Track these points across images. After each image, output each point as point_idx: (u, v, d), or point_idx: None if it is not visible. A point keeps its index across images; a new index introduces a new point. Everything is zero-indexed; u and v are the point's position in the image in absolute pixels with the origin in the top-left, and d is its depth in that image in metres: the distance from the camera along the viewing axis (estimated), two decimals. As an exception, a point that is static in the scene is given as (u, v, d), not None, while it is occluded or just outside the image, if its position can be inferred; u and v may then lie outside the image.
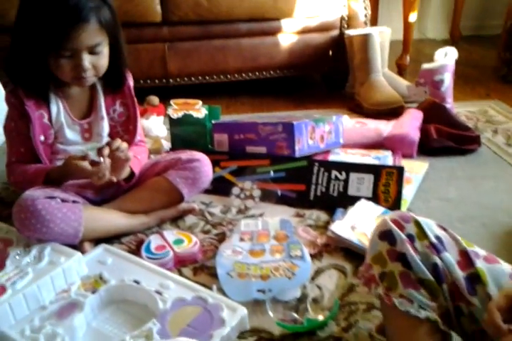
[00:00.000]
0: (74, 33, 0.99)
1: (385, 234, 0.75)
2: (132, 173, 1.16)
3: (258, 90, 2.16)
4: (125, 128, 1.22)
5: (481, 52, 2.66)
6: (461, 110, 1.83)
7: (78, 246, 1.08)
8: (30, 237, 1.03)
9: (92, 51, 1.04)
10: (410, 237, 0.74)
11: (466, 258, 0.73)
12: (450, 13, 2.88)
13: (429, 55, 2.65)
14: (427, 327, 0.71)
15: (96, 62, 1.06)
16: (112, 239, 1.15)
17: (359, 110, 1.88)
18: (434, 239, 0.73)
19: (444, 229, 0.77)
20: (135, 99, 1.21)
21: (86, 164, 1.02)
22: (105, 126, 1.19)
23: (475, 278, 0.71)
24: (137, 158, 1.18)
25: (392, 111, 1.77)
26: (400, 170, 1.23)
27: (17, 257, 1.01)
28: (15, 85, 1.10)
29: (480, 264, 0.72)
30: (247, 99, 2.10)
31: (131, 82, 1.22)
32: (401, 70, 2.29)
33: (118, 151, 1.06)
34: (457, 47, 1.83)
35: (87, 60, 1.03)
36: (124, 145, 1.08)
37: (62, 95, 1.14)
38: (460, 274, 0.71)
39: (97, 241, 1.12)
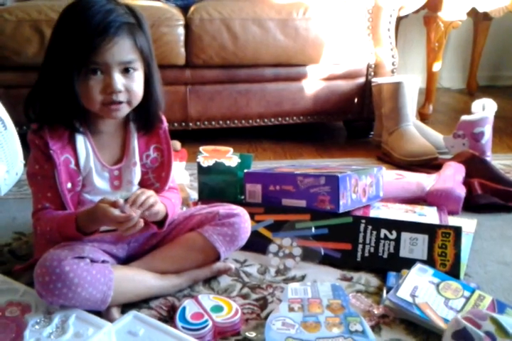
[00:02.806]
0: (104, 46, 0.90)
1: (459, 334, 0.71)
2: (165, 217, 1.04)
3: (280, 136, 2.09)
4: (157, 175, 1.11)
5: (500, 103, 2.60)
6: (495, 163, 1.75)
7: (104, 313, 0.95)
8: (53, 303, 0.90)
9: (125, 70, 0.95)
10: (489, 335, 0.69)
11: None
12: (466, 62, 2.88)
13: (446, 104, 2.64)
14: None
15: (129, 85, 0.95)
16: (139, 303, 1.02)
17: (389, 160, 1.81)
18: None
19: None
20: (171, 144, 1.11)
21: (116, 211, 0.90)
22: (137, 173, 1.09)
23: None
24: (171, 201, 1.06)
25: (425, 163, 1.70)
26: (458, 231, 1.12)
27: (37, 326, 0.88)
28: (39, 124, 1.00)
29: None
30: (268, 145, 2.02)
31: (166, 126, 1.13)
32: (423, 119, 2.24)
33: (149, 200, 0.95)
34: (474, 97, 1.79)
35: (119, 79, 0.94)
36: (151, 192, 0.97)
37: (91, 137, 1.03)
38: None
39: (123, 306, 1.00)
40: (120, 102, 0.96)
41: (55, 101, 0.96)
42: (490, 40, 2.77)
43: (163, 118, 1.13)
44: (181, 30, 1.83)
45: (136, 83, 0.97)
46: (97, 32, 0.90)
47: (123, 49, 0.93)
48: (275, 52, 1.87)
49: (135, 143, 1.08)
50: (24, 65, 1.78)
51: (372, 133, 2.04)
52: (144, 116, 1.06)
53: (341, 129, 2.20)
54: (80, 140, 1.02)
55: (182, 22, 1.84)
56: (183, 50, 1.84)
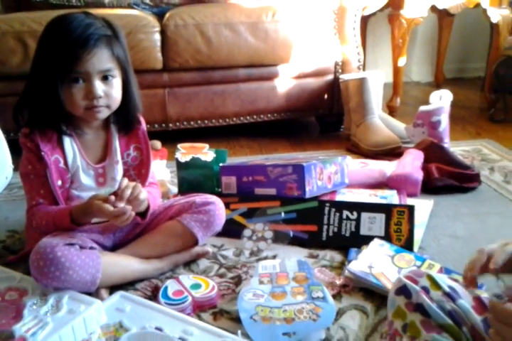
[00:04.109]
0: (85, 56, 1.02)
1: (400, 290, 0.80)
2: (147, 208, 1.14)
3: (256, 133, 2.20)
4: (137, 172, 1.23)
5: (466, 94, 2.78)
6: (456, 149, 1.88)
7: (94, 294, 1.06)
8: (47, 286, 1.01)
9: (104, 78, 1.06)
10: (425, 289, 0.78)
11: (480, 304, 0.78)
12: (433, 57, 3.01)
13: (415, 97, 2.77)
14: None
15: (108, 90, 1.07)
16: (125, 285, 1.13)
17: (357, 151, 1.93)
18: (447, 289, 0.78)
19: (455, 280, 0.82)
20: (149, 144, 1.23)
21: (110, 207, 1.01)
22: (120, 171, 1.20)
23: None
24: (152, 194, 1.18)
25: (389, 152, 1.83)
26: (411, 209, 1.25)
27: (34, 307, 0.99)
28: (30, 129, 1.11)
29: None
30: (245, 142, 2.13)
31: (144, 126, 1.24)
32: (392, 112, 2.37)
33: (135, 191, 1.06)
34: (442, 89, 1.92)
35: (99, 86, 1.05)
36: (135, 184, 1.07)
37: (76, 138, 1.15)
38: (477, 318, 0.75)
39: (111, 289, 1.11)
40: (101, 106, 1.08)
41: (43, 108, 1.08)
42: (454, 35, 2.91)
43: (142, 119, 1.24)
44: (157, 36, 1.94)
45: (115, 89, 1.09)
46: (78, 44, 1.02)
47: (102, 59, 1.05)
48: (247, 53, 1.99)
49: (116, 143, 1.20)
50: (9, 75, 1.87)
51: (342, 126, 2.16)
52: (124, 118, 1.18)
53: (314, 124, 2.32)
54: (67, 141, 1.14)
55: (158, 28, 1.94)
56: (160, 54, 1.94)
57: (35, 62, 1.08)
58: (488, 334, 0.71)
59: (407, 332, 0.76)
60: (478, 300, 0.79)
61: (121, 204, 1.02)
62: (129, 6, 2.23)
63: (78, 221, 1.08)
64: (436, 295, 0.78)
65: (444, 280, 0.81)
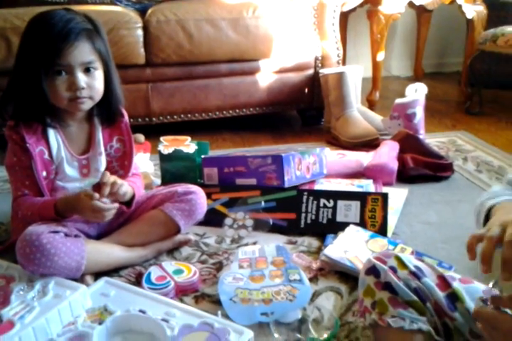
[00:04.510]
0: (66, 49, 1.05)
1: (370, 270, 0.86)
2: (132, 197, 1.18)
3: (239, 127, 2.25)
4: (120, 164, 1.26)
5: (443, 88, 2.85)
6: (432, 140, 1.95)
7: (79, 280, 1.10)
8: (33, 272, 1.04)
9: (86, 70, 1.09)
10: (392, 268, 0.84)
11: (443, 281, 0.84)
12: (413, 51, 3.08)
13: (395, 91, 2.83)
14: (420, 338, 0.79)
15: (90, 82, 1.10)
16: (110, 272, 1.17)
17: (336, 143, 1.98)
18: (413, 268, 0.84)
19: (421, 261, 0.89)
20: (132, 136, 1.26)
21: (98, 203, 1.06)
22: (103, 162, 1.23)
23: (453, 297, 0.82)
24: (136, 184, 1.22)
25: (367, 143, 1.88)
26: (385, 196, 1.30)
27: (21, 292, 1.02)
28: (15, 121, 1.14)
29: (456, 285, 0.83)
30: (228, 136, 2.18)
31: (127, 119, 1.28)
32: (371, 106, 2.42)
33: (116, 186, 1.10)
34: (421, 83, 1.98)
35: (81, 78, 1.08)
36: (114, 180, 1.11)
37: (61, 130, 1.18)
38: (440, 294, 0.82)
39: (96, 275, 1.15)
40: (84, 97, 1.11)
41: (27, 101, 1.11)
42: (433, 31, 2.97)
43: (124, 112, 1.28)
44: (140, 32, 1.97)
45: (97, 81, 1.13)
46: (60, 38, 1.05)
47: (83, 51, 1.08)
48: (229, 49, 2.03)
49: (100, 135, 1.23)
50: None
51: (323, 120, 2.21)
52: (106, 110, 1.21)
53: (295, 118, 2.37)
54: (52, 133, 1.17)
55: (140, 24, 1.97)
56: (142, 50, 1.97)
57: (18, 57, 1.11)
58: None
59: (375, 309, 0.83)
60: (441, 278, 0.85)
61: (104, 200, 1.07)
62: (112, 2, 2.25)
63: (63, 214, 1.12)
64: (403, 274, 0.84)
65: (411, 261, 0.87)
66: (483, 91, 2.38)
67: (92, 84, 1.11)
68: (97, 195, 1.06)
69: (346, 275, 1.13)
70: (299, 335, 0.95)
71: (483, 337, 0.77)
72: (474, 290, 0.83)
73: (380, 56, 2.37)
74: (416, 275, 0.84)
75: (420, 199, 1.50)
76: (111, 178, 1.10)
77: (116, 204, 1.11)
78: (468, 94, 2.43)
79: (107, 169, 1.25)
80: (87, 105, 1.14)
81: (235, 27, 2.02)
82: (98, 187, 1.10)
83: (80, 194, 1.08)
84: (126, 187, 1.13)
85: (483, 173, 1.68)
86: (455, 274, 0.88)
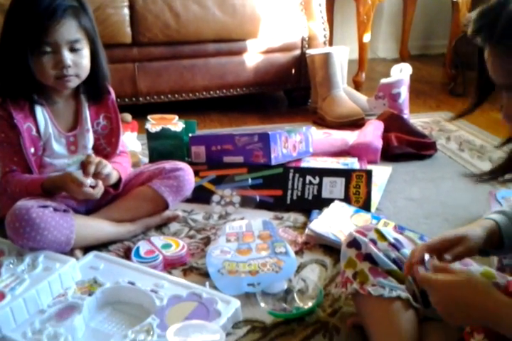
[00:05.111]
0: (53, 27, 1.05)
1: (351, 243, 0.89)
2: (119, 179, 1.20)
3: (226, 107, 2.25)
4: (108, 141, 1.27)
5: (429, 70, 2.87)
6: (416, 121, 1.98)
7: (69, 254, 1.11)
8: (23, 246, 1.06)
9: (72, 48, 1.09)
10: (373, 241, 0.88)
11: None
12: (399, 34, 3.09)
13: (381, 73, 2.84)
14: (399, 305, 0.82)
15: (77, 60, 1.10)
16: (99, 247, 1.19)
17: (322, 123, 2.00)
18: (392, 240, 0.88)
19: (400, 233, 0.93)
20: (118, 113, 1.27)
21: (87, 190, 1.09)
22: (90, 138, 1.24)
23: None
24: (122, 165, 1.23)
25: (353, 123, 1.91)
26: (369, 173, 1.33)
27: (11, 266, 1.03)
28: (2, 98, 1.14)
29: None
30: (215, 116, 2.18)
31: (113, 96, 1.28)
32: (357, 87, 2.44)
33: (100, 166, 1.12)
34: (406, 64, 2.00)
35: (67, 56, 1.08)
36: (99, 160, 1.13)
37: (47, 106, 1.18)
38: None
39: (85, 250, 1.16)
40: (70, 75, 1.11)
41: (14, 78, 1.11)
42: (418, 13, 2.98)
43: (111, 89, 1.28)
44: (126, 11, 1.95)
45: (83, 59, 1.13)
46: (46, 15, 1.05)
47: (70, 29, 1.08)
48: (215, 28, 2.02)
49: (86, 112, 1.24)
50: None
51: (309, 100, 2.23)
52: (93, 87, 1.22)
53: (282, 98, 2.37)
54: (39, 110, 1.17)
55: (126, 3, 1.95)
56: (129, 29, 1.96)
57: (3, 35, 1.10)
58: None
59: (357, 279, 0.86)
60: None
61: (89, 180, 1.09)
62: (97, -19, 2.22)
63: (49, 193, 1.14)
64: (382, 246, 0.87)
65: (390, 233, 0.91)
66: (467, 73, 2.40)
67: (79, 62, 1.11)
68: (86, 182, 1.08)
69: (331, 249, 1.16)
70: (284, 305, 0.98)
71: None
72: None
73: (366, 37, 2.38)
74: (395, 246, 0.88)
75: (404, 177, 1.53)
76: (96, 159, 1.12)
77: (101, 186, 1.13)
78: (452, 76, 2.46)
79: (94, 146, 1.26)
80: (73, 83, 1.14)
81: (221, 6, 2.01)
82: (83, 166, 1.12)
83: (67, 178, 1.10)
84: (110, 169, 1.15)
85: (465, 152, 1.72)
86: None
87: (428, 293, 0.73)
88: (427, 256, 0.78)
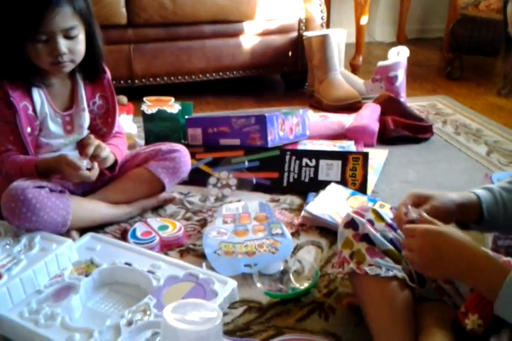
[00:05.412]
0: (48, 16, 1.03)
1: (348, 223, 0.89)
2: (115, 162, 1.20)
3: (222, 90, 2.24)
4: (104, 121, 1.26)
5: (426, 53, 2.86)
6: (413, 104, 1.97)
7: (65, 235, 1.11)
8: (19, 227, 1.05)
9: (68, 35, 1.08)
10: (370, 221, 0.88)
11: None
12: (396, 17, 3.07)
13: (378, 56, 2.82)
14: (396, 284, 0.83)
15: (72, 46, 1.09)
16: (95, 228, 1.19)
17: (319, 106, 2.00)
18: (389, 221, 0.89)
19: None
20: (114, 92, 1.26)
21: (84, 173, 1.08)
22: (86, 118, 1.23)
23: None
24: (118, 148, 1.23)
25: (350, 106, 1.90)
26: (365, 156, 1.33)
27: (7, 246, 1.03)
28: None
29: None
30: (212, 99, 2.17)
31: (109, 76, 1.27)
32: (354, 70, 2.43)
33: (99, 149, 1.11)
34: (404, 48, 1.99)
35: (63, 44, 1.07)
36: (98, 142, 1.13)
37: (43, 87, 1.17)
38: None
39: (82, 232, 1.16)
40: (65, 62, 1.10)
41: (11, 62, 1.10)
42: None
43: (107, 69, 1.27)
44: (121, -9, 1.92)
45: (79, 44, 1.12)
46: (40, 4, 1.03)
47: (65, 17, 1.06)
48: (212, 9, 1.99)
49: (82, 91, 1.22)
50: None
51: (306, 83, 2.21)
52: (89, 67, 1.20)
53: (279, 82, 2.36)
54: (35, 90, 1.16)
55: (121, -17, 1.92)
56: (124, 10, 1.93)
57: None
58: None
59: (354, 259, 0.86)
60: None
61: (85, 162, 1.08)
62: (91, -40, 2.18)
63: (44, 174, 1.13)
64: (379, 226, 0.88)
65: (387, 214, 0.92)
66: (464, 57, 2.40)
67: (74, 48, 1.10)
68: (83, 166, 1.08)
69: (327, 231, 1.17)
70: (280, 285, 0.98)
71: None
72: None
73: (364, 20, 2.36)
74: (392, 227, 0.88)
75: (400, 160, 1.53)
76: (95, 141, 1.11)
77: (97, 168, 1.12)
78: (449, 60, 2.45)
79: (90, 126, 1.25)
80: (68, 68, 1.14)
81: (218, -13, 1.98)
82: (82, 147, 1.11)
83: (62, 161, 1.09)
84: (108, 152, 1.14)
85: (461, 135, 1.72)
86: None
87: (410, 244, 0.75)
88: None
